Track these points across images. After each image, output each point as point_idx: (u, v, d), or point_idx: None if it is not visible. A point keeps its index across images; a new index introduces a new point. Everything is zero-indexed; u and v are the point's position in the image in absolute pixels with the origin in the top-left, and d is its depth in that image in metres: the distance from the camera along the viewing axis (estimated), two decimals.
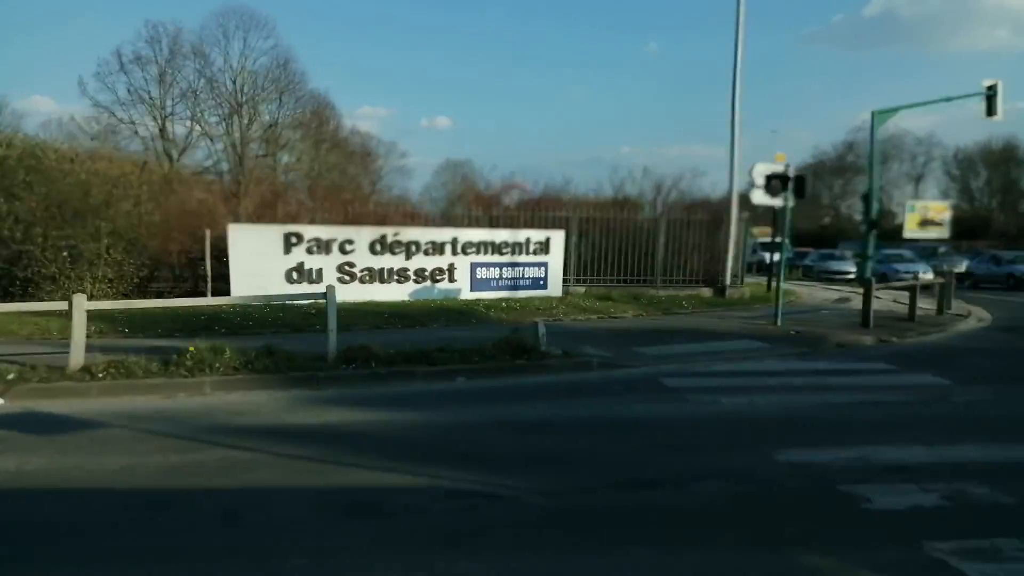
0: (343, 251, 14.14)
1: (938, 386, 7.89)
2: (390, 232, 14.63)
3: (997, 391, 7.60)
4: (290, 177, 32.63)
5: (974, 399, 7.23)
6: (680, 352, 9.85)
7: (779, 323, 12.15)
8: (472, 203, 21.96)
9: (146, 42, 31.13)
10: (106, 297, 12.21)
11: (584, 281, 17.21)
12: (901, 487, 4.46)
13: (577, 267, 17.28)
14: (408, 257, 14.71)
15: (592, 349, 9.55)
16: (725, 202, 18.52)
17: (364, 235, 14.40)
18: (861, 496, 4.29)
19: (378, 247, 14.44)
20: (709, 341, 10.75)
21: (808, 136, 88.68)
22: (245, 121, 31.43)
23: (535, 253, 16.03)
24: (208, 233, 13.55)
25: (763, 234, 54.64)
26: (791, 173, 12.05)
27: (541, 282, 16.17)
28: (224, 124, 31.34)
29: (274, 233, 13.73)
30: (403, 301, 14.18)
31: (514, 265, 15.84)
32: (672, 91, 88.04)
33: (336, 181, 36.05)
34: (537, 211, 17.40)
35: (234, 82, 31.70)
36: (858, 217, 64.07)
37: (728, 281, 17.32)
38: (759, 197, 18.38)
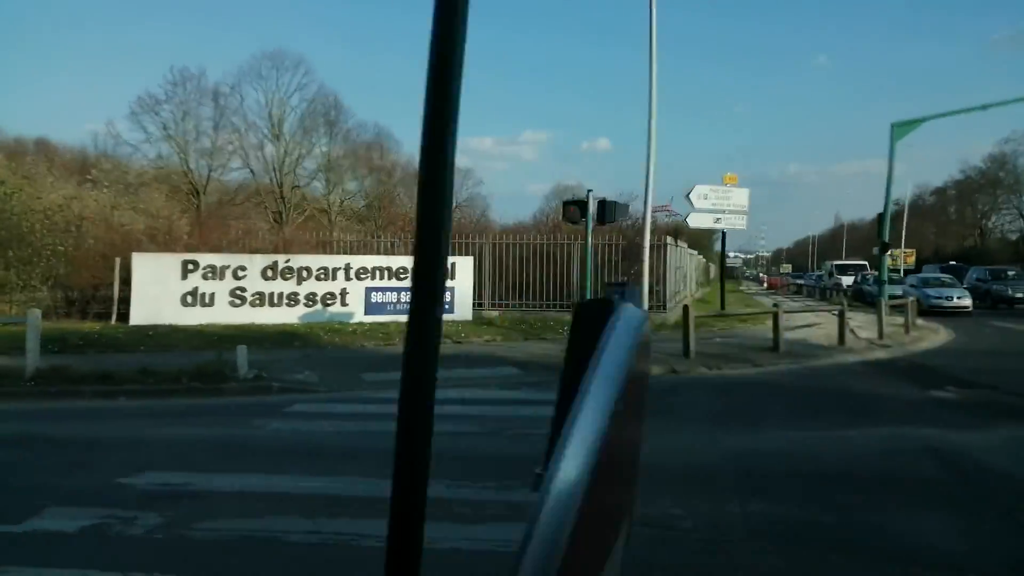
0: (236, 277, 15.35)
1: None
2: (281, 259, 15.66)
3: None
4: (343, 205, 35.01)
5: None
6: None
7: None
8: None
9: (172, 84, 34.30)
10: None
11: (500, 306, 17.19)
12: (82, 511, 4.55)
13: (494, 292, 17.30)
14: (299, 282, 15.63)
15: (305, 375, 9.89)
16: (664, 226, 17.71)
17: (256, 262, 15.54)
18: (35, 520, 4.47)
19: (269, 273, 15.50)
20: (477, 368, 10.61)
21: (980, 148, 79.97)
22: (282, 151, 34.10)
23: None
24: (118, 261, 15.33)
25: (909, 258, 49.55)
26: (591, 199, 11.52)
27: (447, 307, 16.40)
28: (261, 155, 34.19)
29: (173, 260, 15.25)
30: (284, 323, 15.01)
31: None
32: (842, 105, 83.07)
33: (394, 207, 38.05)
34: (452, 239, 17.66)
35: (270, 115, 34.54)
36: (1014, 236, 56.45)
37: (646, 306, 16.46)
38: (694, 220, 17.48)
